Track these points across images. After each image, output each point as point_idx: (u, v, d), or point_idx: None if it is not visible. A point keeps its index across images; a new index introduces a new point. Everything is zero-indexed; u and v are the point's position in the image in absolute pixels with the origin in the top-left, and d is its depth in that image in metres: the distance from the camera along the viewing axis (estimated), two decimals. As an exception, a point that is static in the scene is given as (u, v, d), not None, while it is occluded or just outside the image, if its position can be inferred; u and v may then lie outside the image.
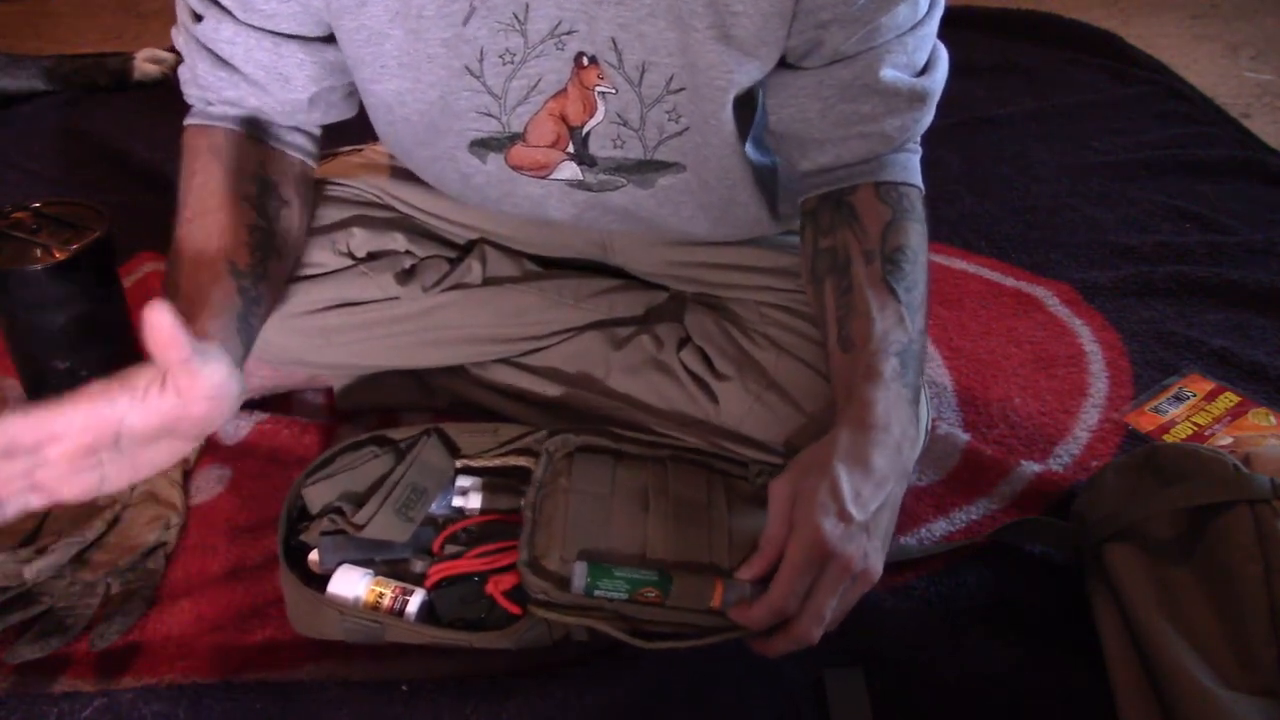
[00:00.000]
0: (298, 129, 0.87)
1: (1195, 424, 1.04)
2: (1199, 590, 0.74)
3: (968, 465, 0.98)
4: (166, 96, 1.70)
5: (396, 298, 0.95)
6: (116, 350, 1.03)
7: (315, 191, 0.94)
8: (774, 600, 0.68)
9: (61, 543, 0.84)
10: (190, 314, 0.72)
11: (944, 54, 0.82)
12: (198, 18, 0.80)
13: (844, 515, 0.67)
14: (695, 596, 0.72)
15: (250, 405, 1.05)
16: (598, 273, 1.01)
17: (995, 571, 0.88)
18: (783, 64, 0.79)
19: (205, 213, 0.79)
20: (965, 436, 1.01)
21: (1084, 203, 1.45)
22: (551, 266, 1.01)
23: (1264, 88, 1.83)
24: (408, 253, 0.98)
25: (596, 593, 0.72)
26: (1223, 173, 1.50)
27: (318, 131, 0.90)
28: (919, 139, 0.86)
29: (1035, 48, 1.93)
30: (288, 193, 0.85)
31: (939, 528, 0.92)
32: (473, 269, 0.97)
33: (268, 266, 0.81)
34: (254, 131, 0.85)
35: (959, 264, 1.31)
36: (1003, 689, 0.78)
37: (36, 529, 0.87)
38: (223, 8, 0.79)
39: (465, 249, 1.00)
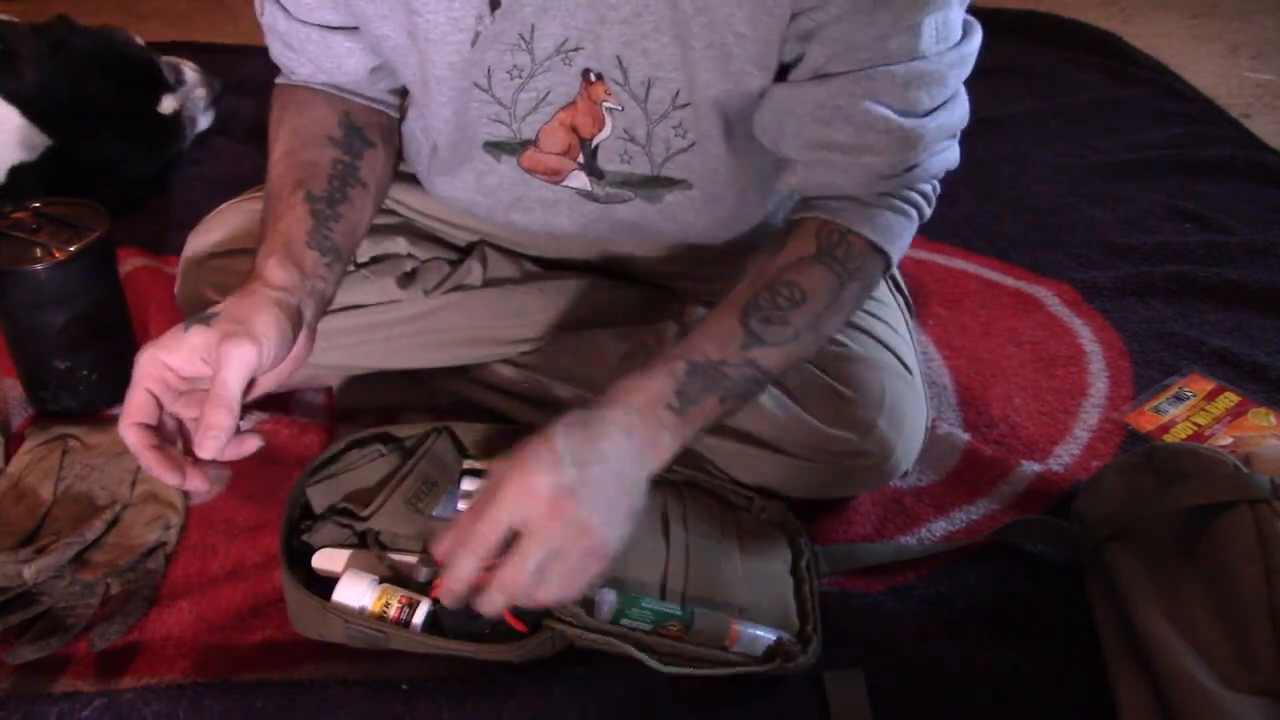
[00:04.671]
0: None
1: (1195, 424, 1.04)
2: (1199, 590, 0.74)
3: (968, 465, 0.98)
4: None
5: (398, 300, 0.96)
6: (116, 350, 1.03)
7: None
8: (460, 529, 0.66)
9: (61, 543, 0.84)
10: (261, 238, 0.78)
11: (964, 97, 0.76)
12: (262, 7, 0.85)
13: (555, 466, 0.64)
14: (713, 635, 0.74)
15: (250, 405, 1.05)
16: (598, 273, 1.02)
17: (995, 571, 0.88)
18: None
19: (291, 153, 0.83)
20: (965, 436, 1.01)
21: (1084, 203, 1.45)
22: (551, 267, 1.02)
23: (1264, 88, 1.83)
24: (409, 256, 0.99)
25: (622, 621, 0.73)
26: (1223, 173, 1.50)
27: (396, 85, 0.91)
28: (928, 195, 0.78)
29: (1035, 48, 1.93)
30: (373, 136, 0.88)
31: (939, 528, 0.92)
32: (473, 270, 0.97)
33: (347, 192, 0.83)
34: (336, 89, 0.88)
35: (959, 264, 1.31)
36: (1003, 689, 0.78)
37: (36, 529, 0.87)
38: (275, 1, 0.82)
39: (465, 251, 1.01)
